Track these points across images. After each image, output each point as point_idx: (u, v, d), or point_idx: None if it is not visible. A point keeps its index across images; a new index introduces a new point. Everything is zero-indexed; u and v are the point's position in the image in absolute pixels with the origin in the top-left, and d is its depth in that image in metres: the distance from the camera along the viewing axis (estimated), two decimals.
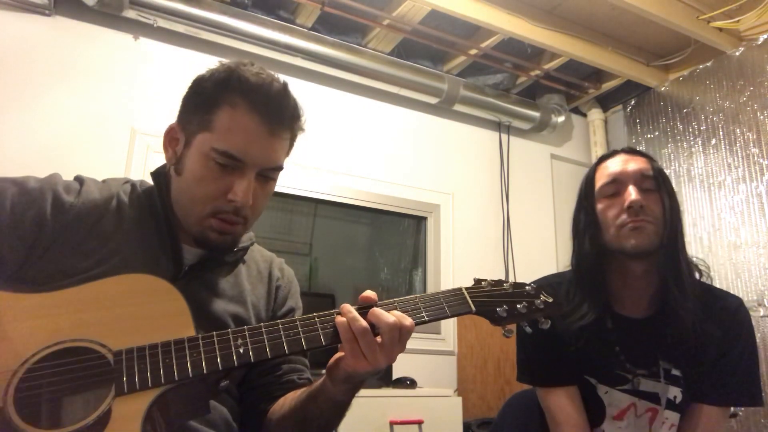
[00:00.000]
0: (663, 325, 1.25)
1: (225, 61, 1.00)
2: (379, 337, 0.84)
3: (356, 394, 0.93)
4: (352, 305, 0.87)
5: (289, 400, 1.00)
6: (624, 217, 1.22)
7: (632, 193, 1.21)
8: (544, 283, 1.07)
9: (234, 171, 0.94)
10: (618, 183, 1.25)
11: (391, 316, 0.84)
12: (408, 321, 0.85)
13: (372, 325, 0.83)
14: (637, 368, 1.26)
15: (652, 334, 1.25)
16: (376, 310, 0.85)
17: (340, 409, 0.95)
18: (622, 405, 1.26)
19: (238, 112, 0.94)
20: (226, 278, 1.03)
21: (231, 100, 0.94)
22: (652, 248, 1.21)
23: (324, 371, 0.90)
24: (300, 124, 1.02)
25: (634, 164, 1.26)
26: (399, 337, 0.84)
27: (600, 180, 1.29)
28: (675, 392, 1.25)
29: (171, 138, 1.00)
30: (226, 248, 1.00)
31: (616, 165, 1.28)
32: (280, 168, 0.99)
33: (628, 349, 1.26)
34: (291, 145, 1.03)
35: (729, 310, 1.26)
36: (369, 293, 0.89)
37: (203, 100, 0.96)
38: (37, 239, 0.88)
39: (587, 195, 1.31)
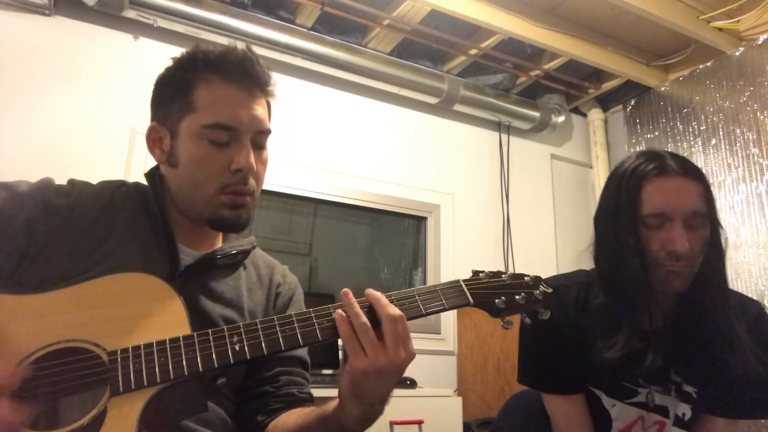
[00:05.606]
0: (678, 335, 1.19)
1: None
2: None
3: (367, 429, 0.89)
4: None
5: (294, 417, 0.97)
6: (663, 256, 1.13)
7: (678, 239, 1.11)
8: (554, 284, 1.02)
9: (229, 144, 0.95)
10: (665, 217, 1.13)
11: (394, 309, 0.83)
12: (397, 312, 0.83)
13: (373, 322, 0.82)
14: (651, 384, 1.20)
15: (665, 346, 1.19)
16: (382, 300, 0.84)
17: None
18: (630, 419, 1.21)
19: (215, 85, 0.95)
20: (225, 281, 1.02)
21: (204, 77, 0.96)
22: (685, 289, 1.15)
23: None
24: (272, 85, 1.03)
25: (687, 198, 1.13)
26: (399, 331, 0.81)
27: (647, 207, 1.14)
28: (684, 409, 1.21)
29: (154, 138, 1.01)
30: (243, 225, 0.99)
31: (667, 196, 1.14)
32: (269, 131, 1.00)
33: (641, 362, 1.17)
34: (270, 109, 1.04)
35: (748, 318, 1.20)
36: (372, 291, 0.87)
37: (176, 87, 0.97)
38: (28, 244, 0.88)
39: (630, 214, 1.16)
